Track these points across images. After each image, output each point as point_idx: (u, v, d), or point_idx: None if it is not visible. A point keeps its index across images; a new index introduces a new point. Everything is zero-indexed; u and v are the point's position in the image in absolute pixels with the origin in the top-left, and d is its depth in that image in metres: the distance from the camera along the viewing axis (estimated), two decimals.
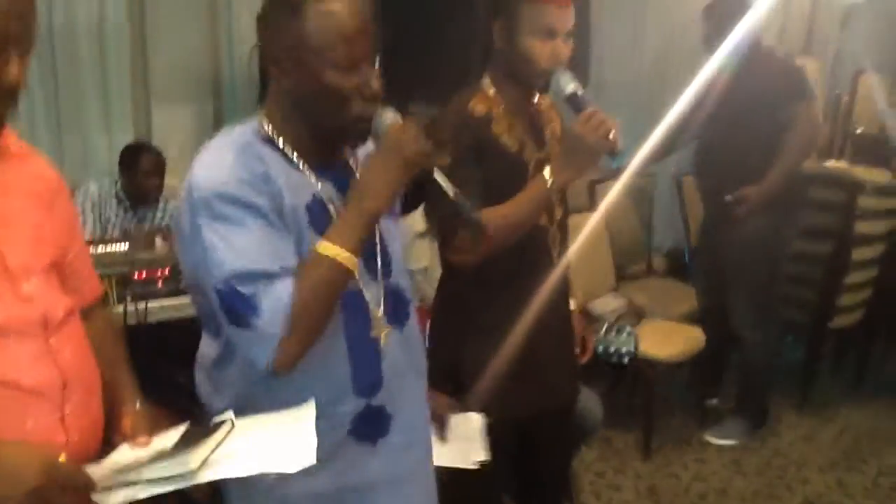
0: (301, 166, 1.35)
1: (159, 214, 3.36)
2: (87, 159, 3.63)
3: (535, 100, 1.97)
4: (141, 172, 3.25)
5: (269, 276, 1.24)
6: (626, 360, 2.56)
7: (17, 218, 1.24)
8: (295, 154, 1.35)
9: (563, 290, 2.03)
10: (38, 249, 1.26)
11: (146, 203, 3.32)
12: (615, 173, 3.79)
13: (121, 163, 3.32)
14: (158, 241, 2.84)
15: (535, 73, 1.82)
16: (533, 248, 1.89)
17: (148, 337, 2.76)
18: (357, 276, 1.32)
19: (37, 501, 1.02)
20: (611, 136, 1.66)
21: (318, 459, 1.20)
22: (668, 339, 3.41)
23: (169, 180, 3.42)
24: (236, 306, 1.24)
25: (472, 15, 3.50)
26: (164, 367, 3.05)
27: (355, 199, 1.30)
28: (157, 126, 3.75)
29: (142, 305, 2.67)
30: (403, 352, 1.45)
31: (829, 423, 3.72)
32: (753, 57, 3.21)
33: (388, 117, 1.33)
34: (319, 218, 1.33)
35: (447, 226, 1.82)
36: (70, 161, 3.60)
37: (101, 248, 2.75)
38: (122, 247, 2.78)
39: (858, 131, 4.02)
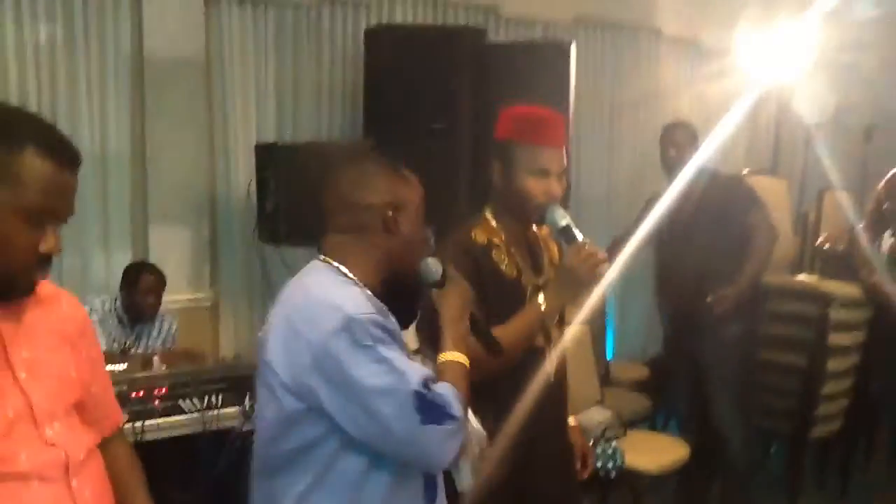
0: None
1: (155, 333, 3.44)
2: (85, 278, 3.73)
3: (534, 228, 2.11)
4: (140, 290, 3.36)
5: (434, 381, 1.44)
6: (613, 474, 2.62)
7: (44, 363, 1.28)
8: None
9: (562, 407, 2.12)
10: (63, 393, 1.31)
11: (143, 321, 3.41)
12: None
13: (122, 280, 3.43)
14: (156, 360, 2.92)
15: (530, 209, 1.96)
16: (531, 369, 1.98)
17: (145, 455, 2.80)
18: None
19: None
20: (601, 268, 1.80)
21: None
22: (653, 451, 3.47)
23: (164, 298, 3.53)
24: (436, 405, 1.40)
25: (457, 155, 3.74)
26: (159, 485, 3.07)
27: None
28: (153, 245, 3.87)
29: (139, 424, 2.72)
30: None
31: None
32: (705, 178, 3.45)
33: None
34: None
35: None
36: (69, 279, 3.69)
37: None
38: (121, 366, 2.85)
39: (826, 247, 4.21)
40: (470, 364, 1.56)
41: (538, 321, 1.89)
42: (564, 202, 2.01)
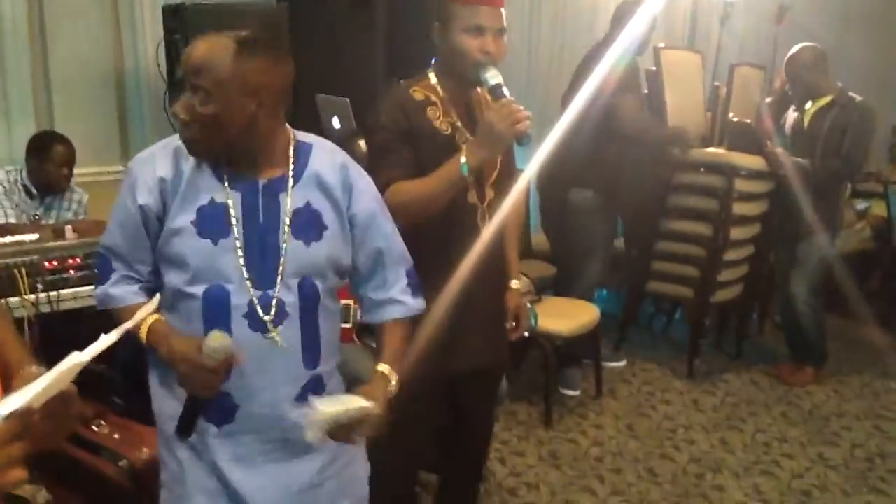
0: (219, 169, 1.56)
1: (66, 204, 3.35)
2: None
3: (479, 90, 2.11)
4: (52, 162, 3.24)
5: (126, 266, 1.60)
6: (526, 333, 2.73)
7: None
8: (213, 161, 1.56)
9: (496, 266, 2.17)
10: None
11: (53, 192, 3.31)
12: None
13: (29, 151, 3.30)
14: (69, 230, 2.86)
15: (467, 66, 1.98)
16: (461, 224, 2.05)
17: (60, 325, 2.79)
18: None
19: None
20: (520, 125, 1.84)
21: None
22: (565, 315, 3.64)
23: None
24: (99, 268, 1.64)
25: (372, 22, 3.67)
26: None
27: (170, 343, 1.53)
28: (59, 117, 3.72)
29: (53, 294, 2.69)
30: (266, 354, 1.55)
31: (712, 389, 4.05)
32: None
33: (215, 344, 1.44)
34: (207, 219, 1.53)
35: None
36: None
37: (9, 238, 2.75)
38: (33, 237, 2.78)
39: (735, 120, 4.34)
40: None
41: (457, 173, 1.91)
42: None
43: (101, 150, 3.87)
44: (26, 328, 2.58)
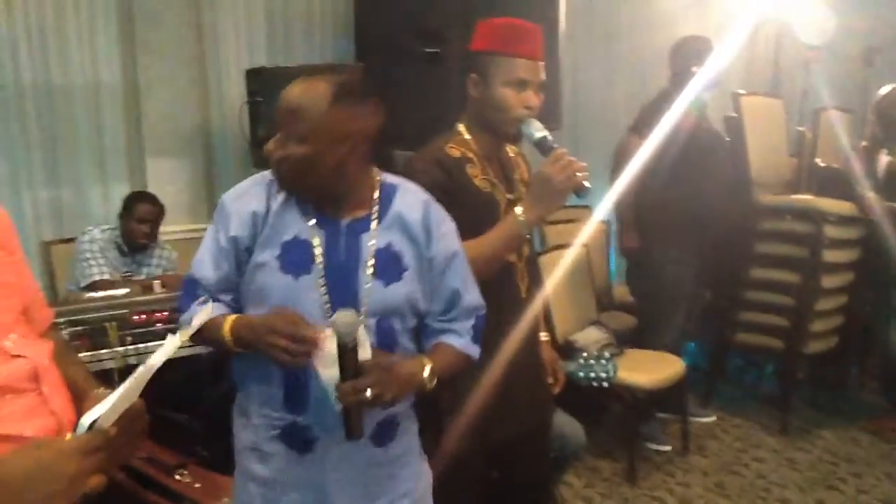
0: (307, 206, 1.58)
1: (154, 260, 3.48)
2: (84, 210, 3.76)
3: (507, 148, 2.10)
4: (136, 220, 3.39)
5: (210, 291, 1.59)
6: (605, 384, 2.67)
7: None
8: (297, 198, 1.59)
9: (533, 322, 2.11)
10: (11, 302, 1.27)
11: (141, 249, 3.45)
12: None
13: (121, 210, 3.47)
14: (157, 285, 2.97)
15: (507, 121, 1.94)
16: (501, 284, 1.99)
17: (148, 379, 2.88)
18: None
19: (79, 480, 1.05)
20: (578, 176, 1.79)
21: (258, 449, 1.61)
22: (648, 368, 3.54)
23: (161, 228, 3.57)
24: (183, 296, 1.63)
25: (444, 79, 3.73)
26: (162, 406, 3.16)
27: (253, 323, 1.53)
28: (151, 177, 3.89)
29: (142, 346, 2.79)
30: None
31: (809, 446, 3.84)
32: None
33: (343, 319, 1.45)
34: (291, 254, 1.55)
35: None
36: (67, 212, 3.74)
37: (101, 293, 2.87)
38: (123, 291, 2.90)
39: (822, 164, 4.21)
40: None
41: (516, 234, 1.88)
42: (548, 119, 2.01)
43: (191, 209, 4.02)
44: (116, 379, 2.68)
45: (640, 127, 3.72)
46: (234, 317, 1.55)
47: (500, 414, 2.01)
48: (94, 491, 1.08)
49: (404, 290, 1.60)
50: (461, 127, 2.04)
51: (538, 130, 1.89)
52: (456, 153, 1.98)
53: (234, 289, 1.60)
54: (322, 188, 1.56)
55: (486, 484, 2.17)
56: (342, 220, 1.59)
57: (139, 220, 3.39)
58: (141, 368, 1.12)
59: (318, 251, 1.55)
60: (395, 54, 3.63)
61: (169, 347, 1.19)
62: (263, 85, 3.58)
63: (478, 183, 1.98)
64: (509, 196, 2.01)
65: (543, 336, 2.26)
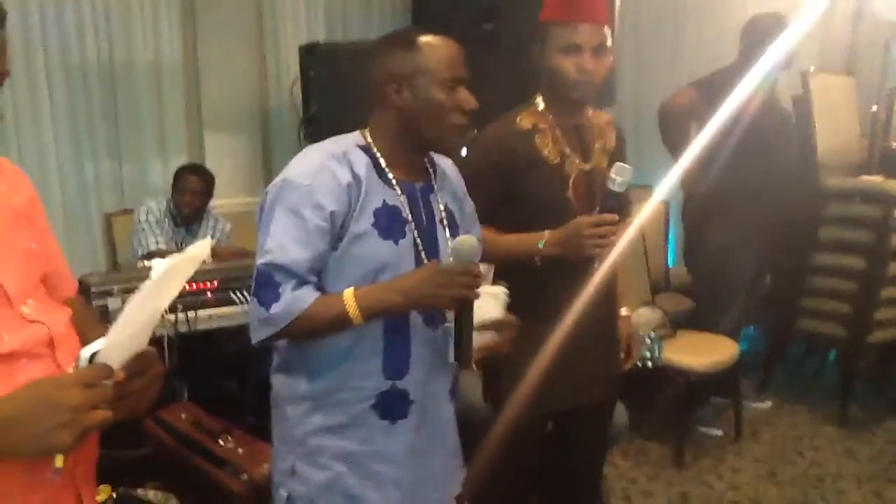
0: (386, 174, 1.61)
1: (207, 232, 3.56)
2: (144, 183, 3.88)
3: (590, 114, 2.08)
4: (187, 191, 3.47)
5: (300, 277, 1.52)
6: (648, 364, 2.63)
7: (5, 242, 1.23)
8: (384, 162, 1.62)
9: (608, 294, 2.09)
10: (31, 269, 1.27)
11: (192, 220, 3.53)
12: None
13: (173, 182, 3.55)
14: (208, 255, 3.03)
15: (567, 86, 1.94)
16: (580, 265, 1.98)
17: (198, 345, 2.96)
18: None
19: (81, 412, 1.02)
20: (597, 248, 1.84)
21: (343, 424, 1.61)
22: (701, 350, 3.46)
23: (218, 201, 3.64)
24: (265, 289, 1.53)
25: (504, 56, 3.69)
26: (213, 373, 3.25)
27: (394, 288, 1.54)
28: (209, 151, 3.99)
29: (192, 314, 2.86)
30: (433, 349, 1.65)
31: (869, 437, 3.70)
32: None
33: (465, 245, 1.54)
34: (385, 220, 1.57)
35: None
36: (129, 185, 3.86)
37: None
38: None
39: (894, 146, 4.03)
40: None
41: (534, 250, 1.92)
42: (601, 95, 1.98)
43: (246, 183, 4.10)
44: (165, 346, 2.76)
45: (703, 87, 3.62)
46: (351, 291, 1.53)
47: (564, 379, 2.01)
48: (101, 426, 1.04)
49: None
50: (539, 98, 2.04)
51: (621, 185, 1.85)
52: (527, 124, 2.01)
53: (321, 267, 1.56)
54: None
55: (544, 450, 2.19)
56: (416, 183, 1.65)
57: (189, 191, 3.47)
58: (142, 291, 1.07)
59: (407, 215, 1.61)
60: (453, 30, 3.59)
61: (179, 257, 1.15)
62: (317, 61, 3.61)
63: (546, 153, 1.99)
64: (584, 166, 2.01)
65: (625, 311, 2.23)
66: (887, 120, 4.21)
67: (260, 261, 1.54)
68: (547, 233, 1.90)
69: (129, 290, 2.81)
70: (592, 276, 1.98)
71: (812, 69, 4.17)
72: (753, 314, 4.08)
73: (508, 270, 2.04)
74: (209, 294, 2.96)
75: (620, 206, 1.89)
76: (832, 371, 4.28)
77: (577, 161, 2.00)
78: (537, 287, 1.98)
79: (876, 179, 3.89)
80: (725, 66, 3.74)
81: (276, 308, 1.52)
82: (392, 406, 1.63)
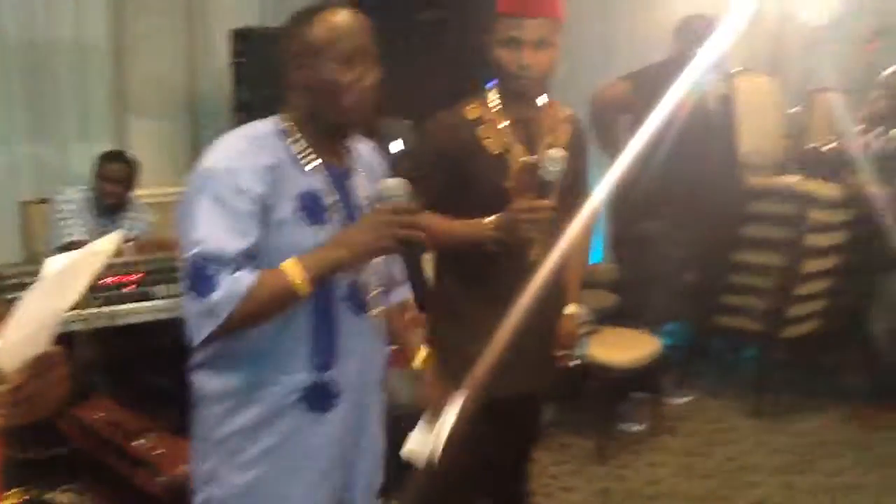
0: (305, 159, 1.58)
1: (128, 222, 3.46)
2: (65, 168, 3.75)
3: (546, 107, 2.10)
4: (108, 180, 3.36)
5: (236, 263, 1.46)
6: (577, 360, 2.65)
7: None
8: (300, 146, 1.58)
9: (554, 286, 2.11)
10: None
11: (117, 210, 3.43)
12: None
13: (95, 170, 3.44)
14: (128, 248, 2.96)
15: (506, 79, 1.99)
16: (517, 256, 2.03)
17: (118, 340, 2.89)
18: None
19: None
20: (532, 226, 1.90)
21: (269, 419, 1.57)
22: (623, 346, 3.54)
23: (143, 190, 3.55)
24: (200, 280, 1.45)
25: (444, 47, 3.66)
26: (136, 368, 3.17)
27: (335, 244, 1.52)
28: (133, 137, 3.88)
29: (109, 309, 2.79)
30: (360, 338, 1.65)
31: (783, 430, 3.84)
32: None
33: (391, 184, 1.54)
34: (306, 206, 1.55)
35: None
36: (49, 169, 3.73)
37: None
38: None
39: (812, 147, 4.16)
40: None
41: (482, 238, 1.96)
42: None
43: (174, 170, 4.00)
44: (75, 344, 2.66)
45: (636, 81, 3.69)
46: (291, 260, 1.48)
47: (509, 369, 2.01)
48: None
49: None
50: (491, 90, 2.07)
51: (549, 172, 1.91)
52: (472, 115, 2.05)
53: (255, 251, 1.49)
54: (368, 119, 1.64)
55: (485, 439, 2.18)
56: (335, 167, 1.62)
57: (110, 179, 3.37)
58: (36, 289, 1.04)
59: (331, 200, 1.59)
60: (396, 20, 3.58)
61: (85, 250, 1.11)
62: (250, 47, 3.54)
63: (487, 144, 2.02)
64: (528, 159, 2.03)
65: (569, 309, 2.27)
66: (806, 121, 4.35)
67: (189, 253, 1.46)
68: (488, 219, 1.95)
69: None
70: (532, 261, 2.04)
71: (737, 70, 4.27)
72: (677, 309, 4.18)
73: (454, 257, 2.10)
74: (129, 288, 2.88)
75: (557, 193, 1.93)
76: (750, 365, 4.42)
77: (521, 152, 2.04)
78: (480, 273, 2.05)
79: (793, 179, 4.02)
80: (657, 62, 3.80)
81: (216, 295, 1.43)
82: (320, 398, 1.62)
